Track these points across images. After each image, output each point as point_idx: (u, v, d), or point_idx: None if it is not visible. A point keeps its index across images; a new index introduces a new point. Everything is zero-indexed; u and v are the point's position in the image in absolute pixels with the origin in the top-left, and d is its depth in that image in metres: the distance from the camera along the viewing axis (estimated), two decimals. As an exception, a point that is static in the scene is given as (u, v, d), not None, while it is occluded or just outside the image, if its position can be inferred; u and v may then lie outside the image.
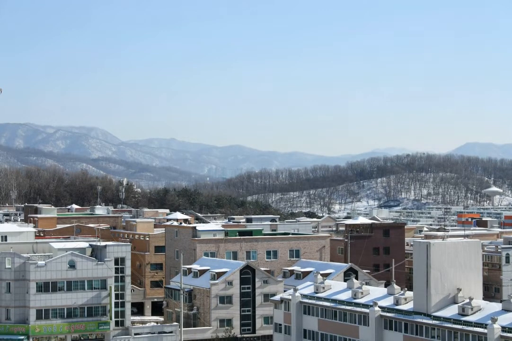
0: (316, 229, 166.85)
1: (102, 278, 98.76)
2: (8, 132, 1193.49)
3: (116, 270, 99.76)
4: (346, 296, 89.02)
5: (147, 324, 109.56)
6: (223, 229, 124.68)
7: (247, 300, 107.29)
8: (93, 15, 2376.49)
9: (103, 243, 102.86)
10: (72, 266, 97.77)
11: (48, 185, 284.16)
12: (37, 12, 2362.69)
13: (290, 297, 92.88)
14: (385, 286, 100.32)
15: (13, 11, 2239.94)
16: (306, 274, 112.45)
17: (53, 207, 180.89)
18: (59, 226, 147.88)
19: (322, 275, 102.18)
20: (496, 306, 77.68)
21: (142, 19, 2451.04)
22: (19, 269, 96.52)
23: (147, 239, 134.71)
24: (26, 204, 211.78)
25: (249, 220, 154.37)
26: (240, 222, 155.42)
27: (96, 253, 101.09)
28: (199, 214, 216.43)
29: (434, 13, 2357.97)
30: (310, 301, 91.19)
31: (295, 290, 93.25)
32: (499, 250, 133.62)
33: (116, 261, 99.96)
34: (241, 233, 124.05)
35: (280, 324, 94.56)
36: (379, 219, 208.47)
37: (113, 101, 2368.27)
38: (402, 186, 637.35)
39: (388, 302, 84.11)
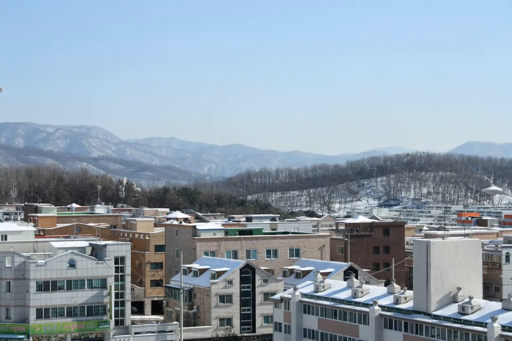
0: (316, 228, 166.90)
1: (102, 277, 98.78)
2: (8, 131, 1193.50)
3: (116, 269, 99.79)
4: (346, 295, 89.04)
5: (147, 323, 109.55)
6: (223, 228, 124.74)
7: (247, 299, 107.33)
8: (95, 16, 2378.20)
9: (103, 242, 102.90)
10: (72, 265, 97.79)
11: (48, 184, 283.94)
12: (38, 13, 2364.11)
13: (290, 296, 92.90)
14: (385, 285, 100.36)
15: (14, 11, 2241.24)
16: (306, 273, 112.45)
17: (53, 206, 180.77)
18: (59, 225, 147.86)
19: (322, 274, 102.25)
20: (496, 305, 77.68)
21: (143, 21, 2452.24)
22: (19, 268, 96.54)
23: (147, 238, 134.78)
24: (26, 203, 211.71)
25: (249, 219, 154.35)
26: (240, 221, 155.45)
27: (96, 252, 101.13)
28: (199, 213, 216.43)
29: (435, 13, 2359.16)
30: (310, 300, 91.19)
31: (295, 289, 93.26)
32: (499, 249, 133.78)
33: (116, 260, 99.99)
34: (241, 232, 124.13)
35: (280, 323, 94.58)
36: (379, 218, 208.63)
37: (113, 101, 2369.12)
38: (402, 185, 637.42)
39: (388, 301, 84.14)
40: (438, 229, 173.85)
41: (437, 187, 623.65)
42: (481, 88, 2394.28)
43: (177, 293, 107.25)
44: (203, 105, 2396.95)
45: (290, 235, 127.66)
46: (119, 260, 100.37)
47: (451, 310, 77.97)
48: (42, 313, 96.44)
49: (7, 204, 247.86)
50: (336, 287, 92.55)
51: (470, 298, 77.35)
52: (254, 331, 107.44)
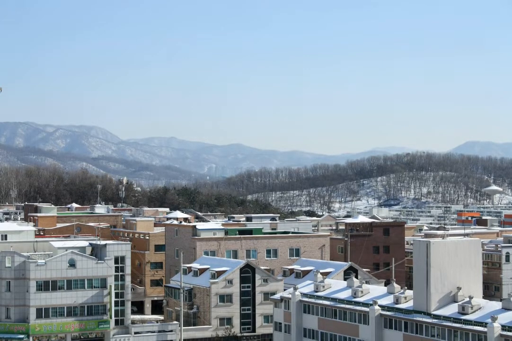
0: (316, 228, 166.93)
1: (102, 276, 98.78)
2: (8, 131, 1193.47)
3: (116, 269, 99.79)
4: (346, 294, 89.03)
5: (147, 323, 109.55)
6: (223, 227, 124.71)
7: (247, 298, 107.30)
8: (94, 16, 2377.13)
9: (103, 242, 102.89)
10: (72, 264, 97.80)
11: (48, 183, 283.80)
12: (38, 12, 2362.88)
13: (290, 295, 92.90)
14: (385, 285, 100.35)
15: (14, 11, 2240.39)
16: (306, 272, 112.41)
17: (53, 206, 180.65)
18: (59, 225, 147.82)
19: (322, 273, 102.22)
20: (496, 305, 77.69)
21: (144, 21, 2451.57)
22: (19, 267, 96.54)
23: (147, 237, 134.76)
24: (26, 202, 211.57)
25: (249, 219, 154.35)
26: (240, 221, 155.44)
27: (96, 252, 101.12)
28: (199, 213, 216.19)
29: (436, 14, 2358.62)
30: (310, 299, 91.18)
31: (295, 288, 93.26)
32: (499, 249, 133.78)
33: (116, 260, 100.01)
34: (241, 232, 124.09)
35: (280, 323, 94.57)
36: (379, 217, 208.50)
37: (113, 100, 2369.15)
38: (402, 184, 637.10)
39: (388, 300, 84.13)
40: (438, 229, 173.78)
41: (437, 187, 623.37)
42: (481, 88, 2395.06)
43: (177, 293, 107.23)
44: (203, 105, 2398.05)
45: (290, 234, 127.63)
46: (119, 260, 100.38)
47: (451, 309, 77.97)
48: (42, 312, 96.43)
49: (7, 203, 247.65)
50: (336, 286, 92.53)
51: (470, 297, 77.34)
52: (254, 330, 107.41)
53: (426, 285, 79.03)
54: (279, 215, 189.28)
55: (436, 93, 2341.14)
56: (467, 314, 76.23)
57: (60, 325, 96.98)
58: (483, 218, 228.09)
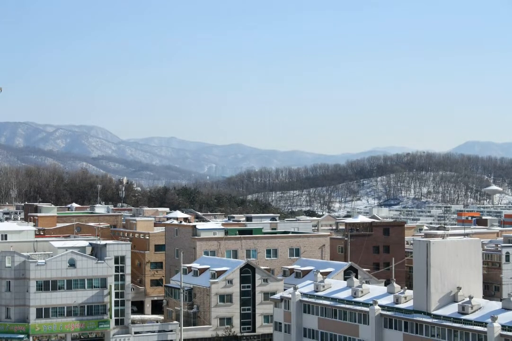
0: (316, 228, 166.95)
1: (102, 276, 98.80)
2: (8, 131, 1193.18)
3: (116, 269, 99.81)
4: (346, 294, 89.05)
5: (147, 323, 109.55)
6: (223, 227, 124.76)
7: (247, 298, 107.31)
8: (94, 16, 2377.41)
9: (103, 242, 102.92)
10: (72, 264, 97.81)
11: (48, 183, 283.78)
12: (38, 12, 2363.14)
13: (290, 295, 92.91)
14: (385, 285, 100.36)
15: (13, 10, 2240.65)
16: (306, 272, 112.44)
17: (53, 206, 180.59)
18: (59, 225, 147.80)
19: (322, 273, 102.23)
20: (496, 305, 77.70)
21: (145, 21, 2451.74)
22: (19, 267, 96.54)
23: (147, 237, 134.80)
24: (26, 202, 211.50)
25: (249, 219, 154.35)
26: (240, 221, 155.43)
27: (96, 252, 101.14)
28: (199, 213, 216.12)
29: (436, 14, 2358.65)
30: (310, 299, 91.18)
31: (295, 288, 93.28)
32: (499, 249, 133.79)
33: (116, 260, 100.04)
34: (241, 232, 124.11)
35: (280, 323, 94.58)
36: (379, 217, 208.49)
37: (113, 100, 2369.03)
38: (402, 184, 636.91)
39: (388, 300, 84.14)
40: (438, 229, 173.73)
41: (437, 187, 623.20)
42: (481, 88, 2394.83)
43: (177, 293, 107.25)
44: (203, 105, 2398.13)
45: (290, 234, 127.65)
46: (119, 260, 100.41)
47: (451, 309, 77.98)
48: (42, 312, 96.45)
49: (7, 203, 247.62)
50: (336, 286, 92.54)
51: (470, 297, 77.35)
52: (254, 330, 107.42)
53: (426, 285, 79.05)
54: (279, 214, 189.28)
55: (436, 93, 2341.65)
56: (467, 314, 76.25)
57: (60, 325, 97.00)
58: (483, 217, 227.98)
